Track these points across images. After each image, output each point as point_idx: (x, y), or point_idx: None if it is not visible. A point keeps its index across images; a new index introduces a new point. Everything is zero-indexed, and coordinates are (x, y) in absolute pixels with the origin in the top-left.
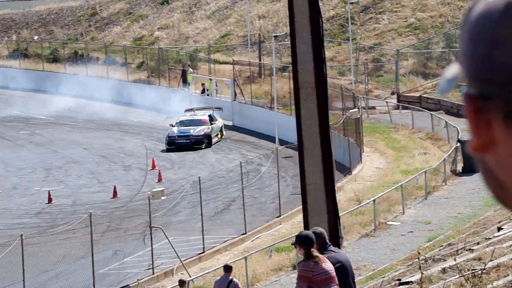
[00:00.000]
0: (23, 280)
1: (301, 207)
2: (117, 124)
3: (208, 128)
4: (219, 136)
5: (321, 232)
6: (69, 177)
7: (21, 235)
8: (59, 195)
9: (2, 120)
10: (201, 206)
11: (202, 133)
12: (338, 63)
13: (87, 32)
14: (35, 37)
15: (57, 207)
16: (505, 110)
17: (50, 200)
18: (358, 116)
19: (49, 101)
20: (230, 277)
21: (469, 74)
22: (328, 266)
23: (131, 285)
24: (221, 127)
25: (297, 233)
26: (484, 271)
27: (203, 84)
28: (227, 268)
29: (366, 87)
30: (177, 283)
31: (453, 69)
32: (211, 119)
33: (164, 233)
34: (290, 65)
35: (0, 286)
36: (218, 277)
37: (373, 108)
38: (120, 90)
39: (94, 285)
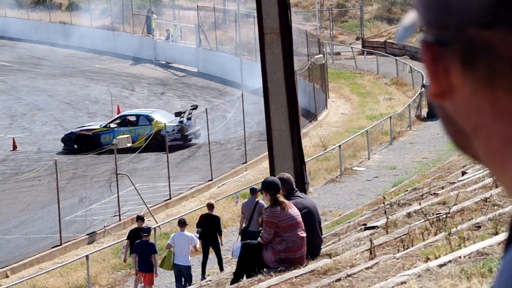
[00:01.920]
0: None
1: (267, 153)
2: (81, 70)
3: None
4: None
5: (288, 177)
6: (33, 124)
7: None
8: (24, 142)
9: None
10: (167, 152)
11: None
12: (302, 9)
13: None
14: None
15: (22, 154)
16: (462, 56)
17: (15, 147)
18: (323, 62)
19: (10, 47)
20: (256, 199)
21: (426, 20)
22: (295, 211)
23: (97, 231)
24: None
25: (263, 179)
26: (449, 215)
27: (167, 30)
28: (253, 191)
29: (331, 32)
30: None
31: (411, 16)
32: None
33: (130, 180)
34: (255, 11)
35: None
36: (246, 200)
37: (338, 54)
38: (83, 36)
39: (60, 232)
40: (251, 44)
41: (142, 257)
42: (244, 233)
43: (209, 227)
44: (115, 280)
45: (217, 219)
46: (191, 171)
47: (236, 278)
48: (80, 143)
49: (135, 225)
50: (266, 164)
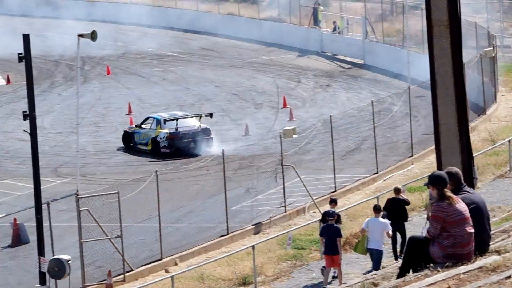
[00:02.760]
0: (159, 216)
1: (433, 147)
2: (248, 62)
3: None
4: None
5: (456, 172)
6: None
7: (156, 171)
8: None
9: (136, 57)
10: (332, 145)
11: None
12: (472, 0)
13: None
14: None
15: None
16: None
17: None
18: (493, 54)
19: (181, 38)
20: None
21: None
22: (462, 207)
23: (263, 222)
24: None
25: (430, 173)
26: None
27: (334, 22)
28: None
29: (502, 25)
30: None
31: None
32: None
33: (296, 172)
34: (423, 3)
35: (136, 221)
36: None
37: (509, 46)
38: (250, 27)
39: (227, 222)
40: (419, 37)
41: (328, 241)
42: None
43: (395, 211)
44: (281, 271)
45: (403, 203)
46: (357, 163)
47: (402, 272)
48: (123, 138)
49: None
50: (432, 158)
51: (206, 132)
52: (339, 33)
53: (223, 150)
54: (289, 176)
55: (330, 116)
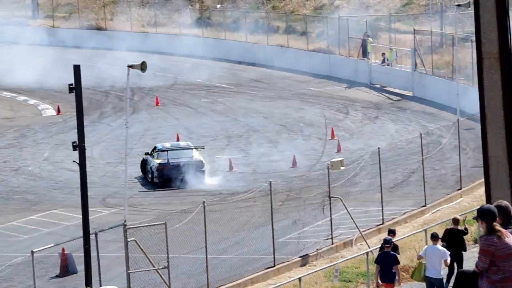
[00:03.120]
0: (205, 247)
1: (483, 180)
2: (297, 93)
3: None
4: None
5: (506, 205)
6: (249, 145)
7: (203, 202)
8: (240, 163)
9: (185, 88)
10: (380, 177)
11: None
12: None
13: (268, 1)
14: (218, 6)
15: (238, 175)
16: None
17: (231, 168)
18: None
19: (231, 69)
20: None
21: None
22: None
23: (310, 254)
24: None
25: (479, 207)
26: None
27: (383, 54)
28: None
29: None
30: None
31: None
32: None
33: (343, 204)
34: (473, 35)
35: (183, 252)
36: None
37: None
38: (298, 59)
39: (274, 254)
40: (468, 69)
41: (384, 268)
42: None
43: (454, 241)
44: None
45: (461, 233)
46: (404, 196)
47: None
48: (141, 164)
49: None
50: (482, 191)
51: (198, 164)
52: (388, 65)
53: (270, 181)
54: (337, 208)
55: (378, 148)
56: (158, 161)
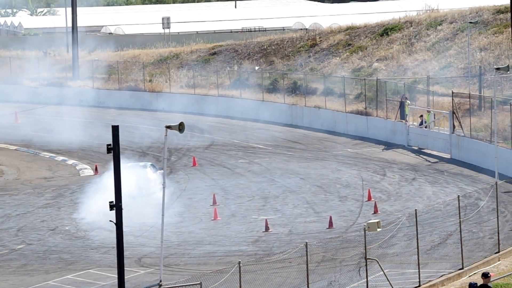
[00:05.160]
0: None
1: None
2: (333, 154)
3: None
4: None
5: None
6: (285, 206)
7: (239, 262)
8: (276, 223)
9: (222, 148)
10: (417, 239)
11: None
12: None
13: (307, 63)
14: (256, 68)
15: (274, 236)
16: None
17: (267, 228)
18: None
19: (268, 130)
20: None
21: None
22: None
23: None
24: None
25: None
26: None
27: (421, 116)
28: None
29: None
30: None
31: None
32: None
33: (380, 265)
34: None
35: None
36: None
37: None
38: (336, 120)
39: None
40: (507, 132)
41: None
42: None
43: None
44: None
45: None
46: (442, 258)
47: None
48: None
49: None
50: None
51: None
52: (426, 127)
53: (306, 242)
54: (373, 269)
55: (415, 210)
56: None
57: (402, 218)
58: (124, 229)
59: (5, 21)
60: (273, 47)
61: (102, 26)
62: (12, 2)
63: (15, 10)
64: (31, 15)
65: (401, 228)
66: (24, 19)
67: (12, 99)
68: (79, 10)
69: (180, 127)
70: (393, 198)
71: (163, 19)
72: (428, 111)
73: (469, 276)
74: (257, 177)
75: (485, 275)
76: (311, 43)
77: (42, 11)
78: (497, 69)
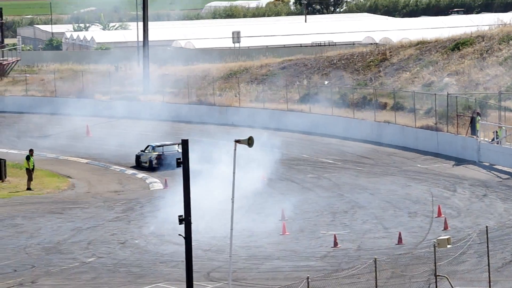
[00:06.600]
0: None
1: None
2: (403, 170)
3: None
4: None
5: None
6: (354, 221)
7: (307, 278)
8: (344, 239)
9: (290, 163)
10: (488, 256)
11: None
12: None
13: (376, 77)
14: (325, 82)
15: (342, 251)
16: None
17: (335, 244)
18: None
19: (335, 145)
20: None
21: None
22: None
23: None
24: None
25: None
26: None
27: (495, 132)
28: None
29: None
30: None
31: None
32: None
33: (449, 282)
34: None
35: None
36: None
37: None
38: (406, 136)
39: None
40: None
41: None
42: None
43: None
44: None
45: None
46: None
47: None
48: (136, 159)
49: None
50: None
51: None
52: (497, 143)
53: (375, 258)
54: (443, 286)
55: (486, 226)
56: (156, 153)
57: (473, 234)
58: (193, 243)
59: (78, 36)
60: (343, 62)
61: (173, 40)
62: (85, 17)
63: (87, 25)
64: (103, 29)
65: (472, 245)
66: (96, 34)
67: (84, 113)
68: (150, 24)
69: (249, 141)
70: (463, 215)
71: (233, 33)
72: (500, 127)
73: None
74: (325, 192)
75: None
76: (381, 57)
77: (114, 26)
78: None
